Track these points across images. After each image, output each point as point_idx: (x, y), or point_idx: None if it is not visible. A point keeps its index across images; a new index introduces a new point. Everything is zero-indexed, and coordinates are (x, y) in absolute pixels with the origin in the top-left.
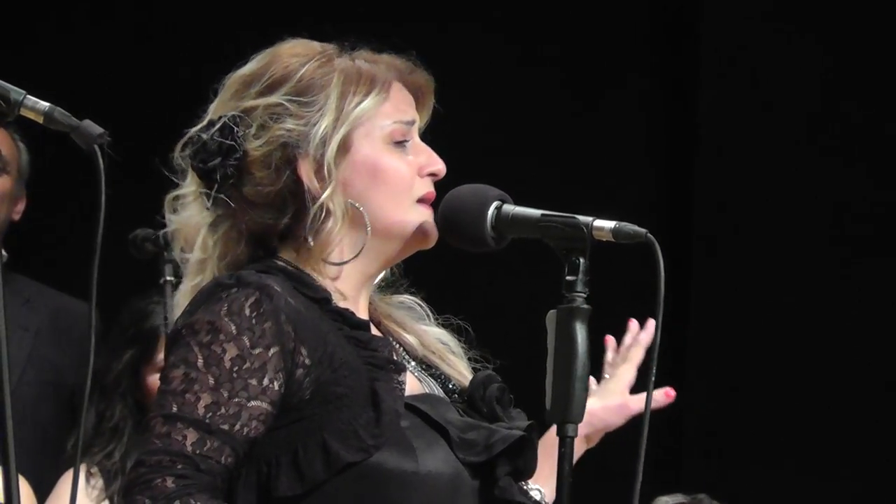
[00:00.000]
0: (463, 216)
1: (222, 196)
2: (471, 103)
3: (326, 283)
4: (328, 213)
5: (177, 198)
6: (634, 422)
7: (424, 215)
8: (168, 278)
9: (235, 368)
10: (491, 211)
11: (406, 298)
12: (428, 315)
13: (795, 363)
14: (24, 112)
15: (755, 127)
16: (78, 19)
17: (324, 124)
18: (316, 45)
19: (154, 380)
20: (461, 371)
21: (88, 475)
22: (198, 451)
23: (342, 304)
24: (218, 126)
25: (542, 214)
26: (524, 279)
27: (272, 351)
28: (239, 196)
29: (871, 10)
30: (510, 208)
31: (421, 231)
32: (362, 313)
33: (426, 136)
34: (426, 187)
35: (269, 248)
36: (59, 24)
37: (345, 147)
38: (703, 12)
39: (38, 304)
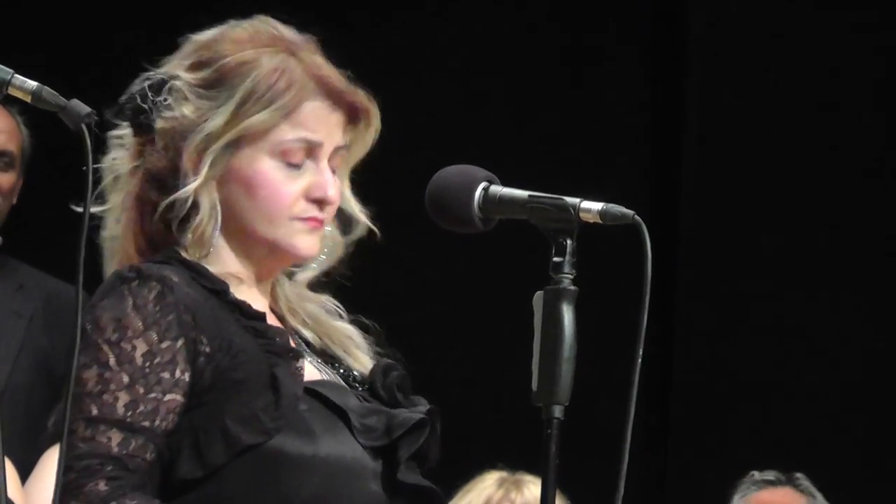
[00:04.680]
0: (450, 196)
1: (132, 150)
2: (460, 83)
3: (224, 275)
4: (195, 206)
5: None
6: (620, 403)
7: (300, 235)
8: None
9: (147, 364)
10: (478, 192)
11: (322, 297)
12: (340, 313)
13: (784, 347)
14: (11, 91)
15: (743, 108)
16: None
17: (213, 123)
18: (267, 35)
19: None
20: (365, 364)
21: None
22: (124, 452)
23: (240, 296)
24: (146, 84)
25: (530, 196)
26: (510, 261)
27: (179, 343)
28: (145, 157)
29: None
30: (497, 189)
31: (291, 251)
32: (259, 305)
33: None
34: (310, 211)
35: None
36: None
37: (230, 150)
38: None
39: (32, 290)
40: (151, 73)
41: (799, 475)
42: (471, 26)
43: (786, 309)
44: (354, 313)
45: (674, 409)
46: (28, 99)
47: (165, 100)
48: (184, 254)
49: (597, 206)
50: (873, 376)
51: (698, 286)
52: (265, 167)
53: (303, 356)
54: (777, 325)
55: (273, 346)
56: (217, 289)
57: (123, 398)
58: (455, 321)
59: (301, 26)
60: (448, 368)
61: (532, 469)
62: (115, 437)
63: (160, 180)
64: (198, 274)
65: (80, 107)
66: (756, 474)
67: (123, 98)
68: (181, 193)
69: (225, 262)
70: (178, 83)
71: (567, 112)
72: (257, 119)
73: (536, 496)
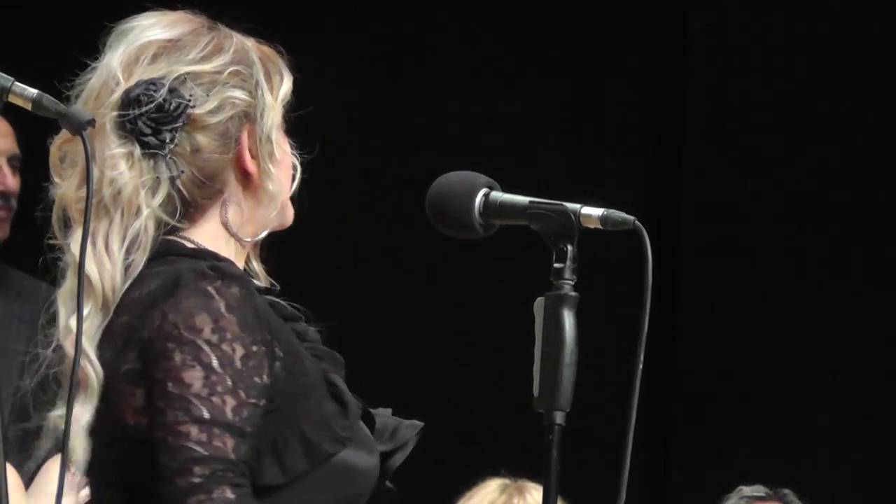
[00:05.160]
0: (451, 203)
1: (169, 158)
2: (461, 84)
3: None
4: (257, 195)
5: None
6: (622, 408)
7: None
8: None
9: (245, 368)
10: (479, 198)
11: None
12: None
13: (785, 350)
14: (11, 99)
15: (744, 108)
16: None
17: (268, 99)
18: (206, 17)
19: None
20: None
21: (69, 463)
22: (239, 457)
23: None
24: (167, 87)
25: (530, 202)
26: (512, 267)
27: (263, 347)
28: (177, 160)
29: None
30: (498, 195)
31: (286, 225)
32: None
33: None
34: None
35: (187, 216)
36: None
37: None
38: None
39: (29, 297)
40: (156, 80)
41: (787, 491)
42: (472, 28)
43: (788, 313)
44: (355, 317)
45: (675, 414)
46: (28, 106)
47: (191, 97)
48: (191, 244)
49: (597, 211)
50: (876, 379)
51: (700, 291)
52: (283, 138)
53: (343, 363)
54: (779, 330)
55: (317, 350)
56: (257, 287)
57: (230, 402)
58: (456, 326)
59: (303, 27)
60: (450, 375)
61: (534, 476)
62: (230, 442)
63: (213, 173)
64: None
65: (81, 113)
66: (745, 489)
67: (137, 111)
68: (261, 187)
69: (231, 253)
70: (215, 71)
71: (568, 113)
72: (284, 91)
73: (539, 502)
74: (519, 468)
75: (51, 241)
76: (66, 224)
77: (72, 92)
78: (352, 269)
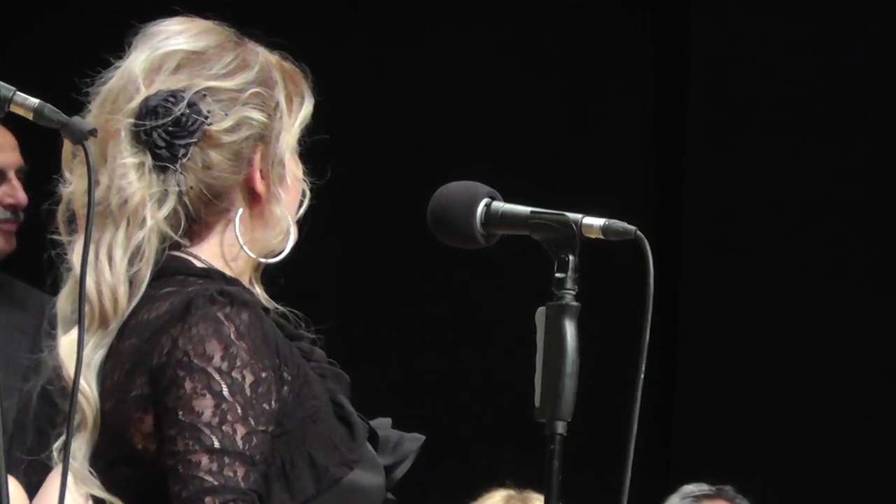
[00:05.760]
0: (452, 213)
1: (179, 172)
2: (461, 96)
3: None
4: (263, 217)
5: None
6: (623, 418)
7: None
8: None
9: (254, 396)
10: (480, 208)
11: None
12: None
13: (787, 356)
14: (13, 108)
15: (746, 109)
16: None
17: (284, 123)
18: (232, 30)
19: None
20: None
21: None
22: (249, 486)
23: None
24: (186, 101)
25: (532, 212)
26: (512, 277)
27: (273, 373)
28: (187, 175)
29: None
30: (499, 205)
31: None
32: None
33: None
34: None
35: (190, 231)
36: None
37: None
38: None
39: (30, 307)
40: (175, 92)
41: (727, 487)
42: (473, 27)
43: (788, 313)
44: (355, 317)
45: (676, 424)
46: (30, 116)
47: (209, 113)
48: (199, 263)
49: (599, 221)
50: (876, 379)
51: (701, 290)
52: (295, 162)
53: (348, 381)
54: (779, 331)
55: (323, 370)
56: (264, 307)
57: (240, 430)
58: (456, 327)
59: (303, 28)
60: (449, 375)
61: (537, 482)
62: (240, 471)
63: (222, 192)
64: (251, 294)
65: (82, 124)
66: (687, 487)
67: (154, 122)
68: (282, 204)
69: (241, 274)
70: (237, 89)
71: (568, 113)
72: (304, 115)
73: None
74: (519, 470)
75: (54, 237)
76: (72, 220)
77: (91, 88)
78: (352, 269)
